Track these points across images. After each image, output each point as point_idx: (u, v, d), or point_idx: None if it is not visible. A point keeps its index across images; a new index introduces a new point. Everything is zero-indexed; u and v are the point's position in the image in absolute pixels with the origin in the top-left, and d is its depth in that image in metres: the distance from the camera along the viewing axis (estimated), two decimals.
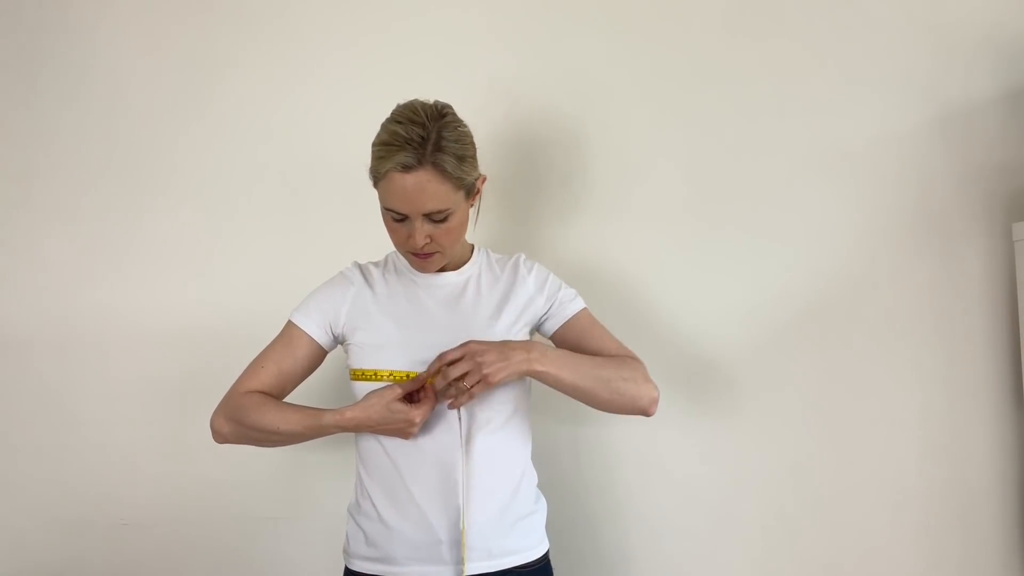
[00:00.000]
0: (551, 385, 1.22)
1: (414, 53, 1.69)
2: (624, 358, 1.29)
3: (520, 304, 1.30)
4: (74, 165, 1.71)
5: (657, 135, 1.68)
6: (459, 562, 1.19)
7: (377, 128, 1.20)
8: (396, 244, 1.25)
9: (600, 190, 1.68)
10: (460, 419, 1.21)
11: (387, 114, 1.21)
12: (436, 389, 1.19)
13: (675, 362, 1.65)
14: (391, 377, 1.21)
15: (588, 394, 1.24)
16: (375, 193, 1.22)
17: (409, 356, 1.23)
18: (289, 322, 1.30)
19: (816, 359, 1.64)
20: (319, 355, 1.31)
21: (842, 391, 1.63)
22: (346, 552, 1.28)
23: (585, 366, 1.23)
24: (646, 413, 1.28)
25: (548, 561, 1.29)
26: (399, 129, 1.16)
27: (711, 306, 1.65)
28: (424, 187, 1.15)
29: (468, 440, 1.22)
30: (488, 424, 1.23)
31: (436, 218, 1.18)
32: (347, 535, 1.29)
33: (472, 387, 1.15)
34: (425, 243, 1.20)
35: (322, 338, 1.29)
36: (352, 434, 1.29)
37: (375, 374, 1.22)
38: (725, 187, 1.66)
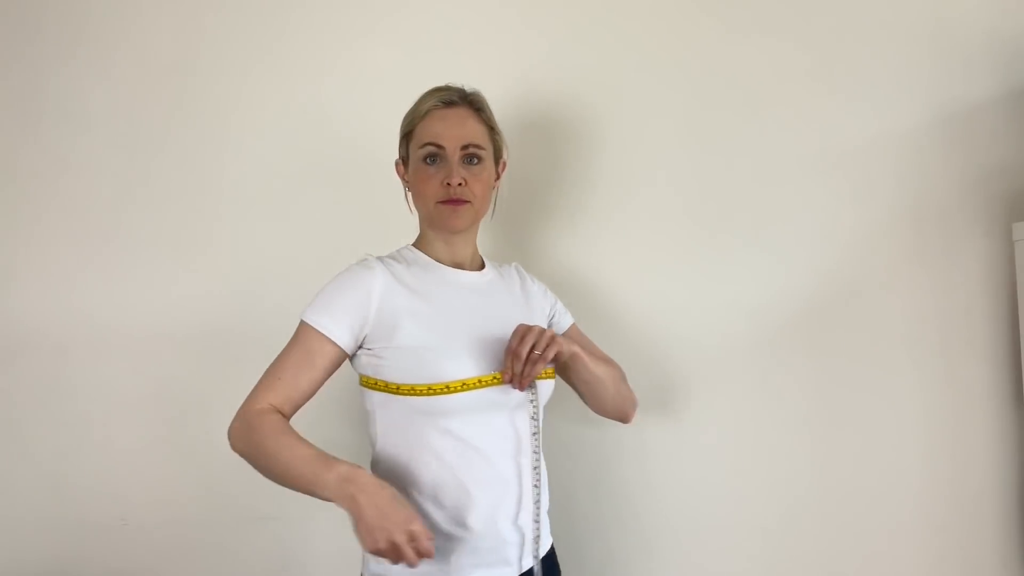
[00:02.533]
0: (576, 373, 1.26)
1: (412, 54, 1.69)
2: (617, 366, 1.37)
3: (536, 306, 1.35)
4: (73, 165, 1.71)
5: (656, 136, 1.67)
6: (521, 558, 1.20)
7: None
8: (427, 195, 1.22)
9: (599, 191, 1.68)
10: (534, 417, 1.20)
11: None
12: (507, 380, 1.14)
13: (675, 364, 1.65)
14: (464, 387, 1.13)
15: (601, 386, 1.29)
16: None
17: (476, 359, 1.15)
18: (306, 326, 1.16)
19: (816, 360, 1.64)
20: (340, 364, 1.19)
21: (842, 392, 1.63)
22: None
23: (600, 361, 1.30)
24: (628, 418, 1.39)
25: (553, 547, 1.34)
26: (437, 87, 1.25)
27: (710, 307, 1.65)
28: (464, 120, 1.23)
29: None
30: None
31: (471, 159, 1.23)
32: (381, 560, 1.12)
33: (544, 351, 1.11)
34: (460, 184, 1.20)
35: (349, 344, 1.17)
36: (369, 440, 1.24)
37: (446, 387, 1.13)
38: (725, 188, 1.66)
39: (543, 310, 1.36)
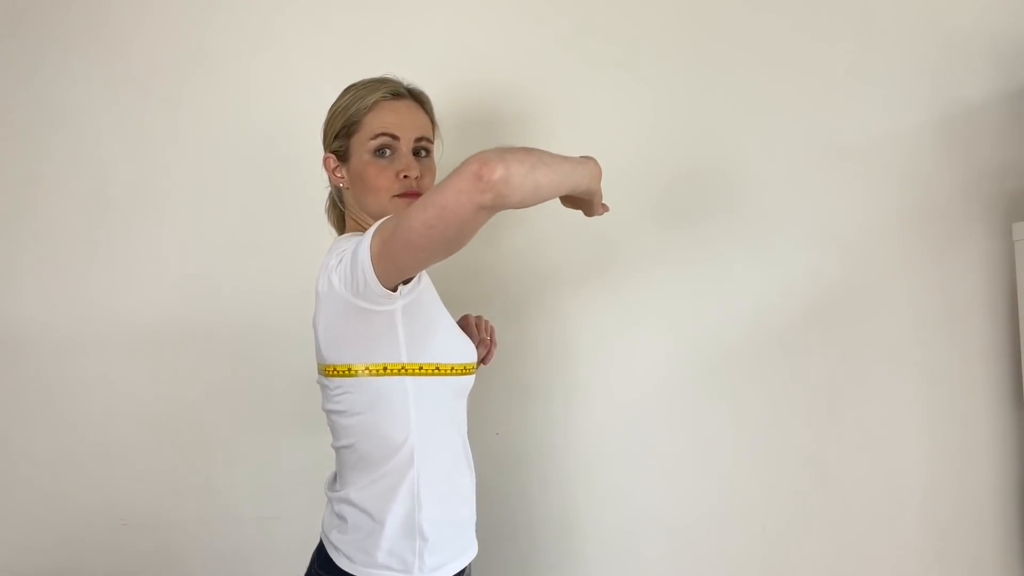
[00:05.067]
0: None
1: (400, 52, 1.69)
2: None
3: None
4: (71, 166, 1.71)
5: (657, 134, 1.67)
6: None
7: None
8: (381, 188, 1.18)
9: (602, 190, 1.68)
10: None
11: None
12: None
13: (676, 363, 1.65)
14: (466, 370, 1.19)
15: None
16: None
17: (467, 343, 1.21)
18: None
19: (816, 359, 1.64)
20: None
21: (842, 391, 1.63)
22: (418, 569, 1.15)
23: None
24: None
25: None
26: (374, 78, 1.22)
27: (708, 307, 1.65)
28: (415, 112, 1.21)
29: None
30: None
31: (421, 152, 1.21)
32: (416, 551, 1.14)
33: (493, 335, 1.33)
34: (416, 176, 1.18)
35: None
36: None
37: (473, 367, 1.20)
38: (725, 187, 1.66)
39: None
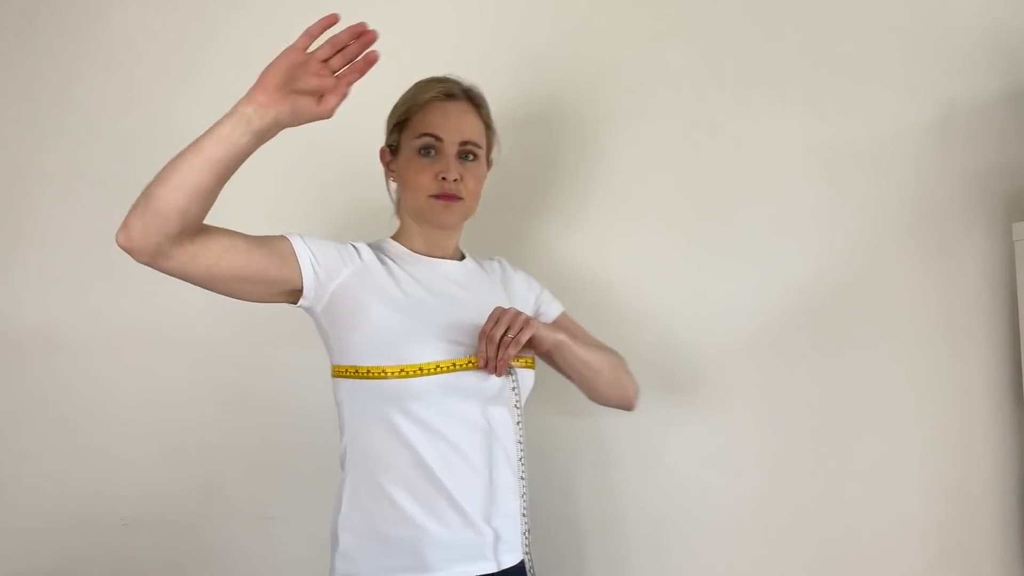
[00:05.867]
0: (564, 360, 1.21)
1: (407, 44, 1.68)
2: (614, 352, 1.32)
3: (517, 297, 1.32)
4: (70, 166, 1.71)
5: (654, 135, 1.67)
6: (498, 553, 1.16)
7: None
8: (419, 188, 1.19)
9: (597, 190, 1.68)
10: (517, 405, 1.17)
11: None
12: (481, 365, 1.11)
13: (674, 363, 1.65)
14: (437, 370, 1.10)
15: (593, 373, 1.25)
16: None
17: (451, 343, 1.13)
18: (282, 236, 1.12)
19: (816, 359, 1.64)
20: (282, 288, 1.10)
21: (842, 391, 1.63)
22: (330, 572, 1.15)
23: (592, 347, 1.27)
24: (632, 406, 1.34)
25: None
26: (436, 77, 1.23)
27: (709, 307, 1.65)
28: (464, 115, 1.21)
29: (498, 433, 1.19)
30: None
31: (468, 155, 1.21)
32: (347, 558, 1.13)
33: (517, 335, 1.09)
34: (456, 179, 1.18)
35: (311, 281, 1.10)
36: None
37: (420, 369, 1.10)
38: (723, 187, 1.66)
39: (526, 300, 1.32)
